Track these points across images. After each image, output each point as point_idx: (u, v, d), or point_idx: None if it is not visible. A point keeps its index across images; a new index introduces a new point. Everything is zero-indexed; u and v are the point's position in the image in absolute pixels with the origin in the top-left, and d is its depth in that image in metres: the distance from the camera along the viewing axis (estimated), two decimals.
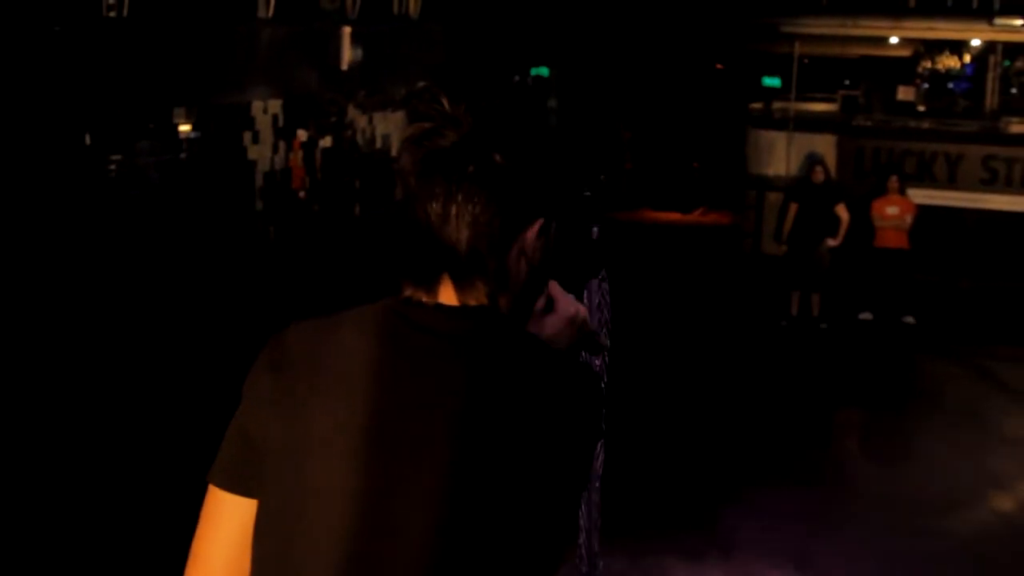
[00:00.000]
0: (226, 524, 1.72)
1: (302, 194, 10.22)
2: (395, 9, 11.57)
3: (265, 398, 1.69)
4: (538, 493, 1.64)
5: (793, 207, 13.48)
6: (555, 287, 1.88)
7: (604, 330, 2.50)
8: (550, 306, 1.85)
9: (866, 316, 13.27)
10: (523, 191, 1.67)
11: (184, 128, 8.64)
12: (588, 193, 2.37)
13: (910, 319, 13.13)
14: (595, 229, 2.35)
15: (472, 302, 1.68)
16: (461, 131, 1.64)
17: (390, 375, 1.65)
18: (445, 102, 1.66)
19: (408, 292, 1.69)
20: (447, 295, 1.68)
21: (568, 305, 1.88)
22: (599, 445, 2.23)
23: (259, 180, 9.55)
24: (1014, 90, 16.15)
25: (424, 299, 1.68)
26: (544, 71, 17.41)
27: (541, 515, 1.65)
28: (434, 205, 1.64)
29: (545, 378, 1.67)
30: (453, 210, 1.64)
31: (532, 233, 1.70)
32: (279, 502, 1.67)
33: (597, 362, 2.29)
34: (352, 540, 1.63)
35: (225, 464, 1.72)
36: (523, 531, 1.64)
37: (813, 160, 14.28)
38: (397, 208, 1.70)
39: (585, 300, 2.42)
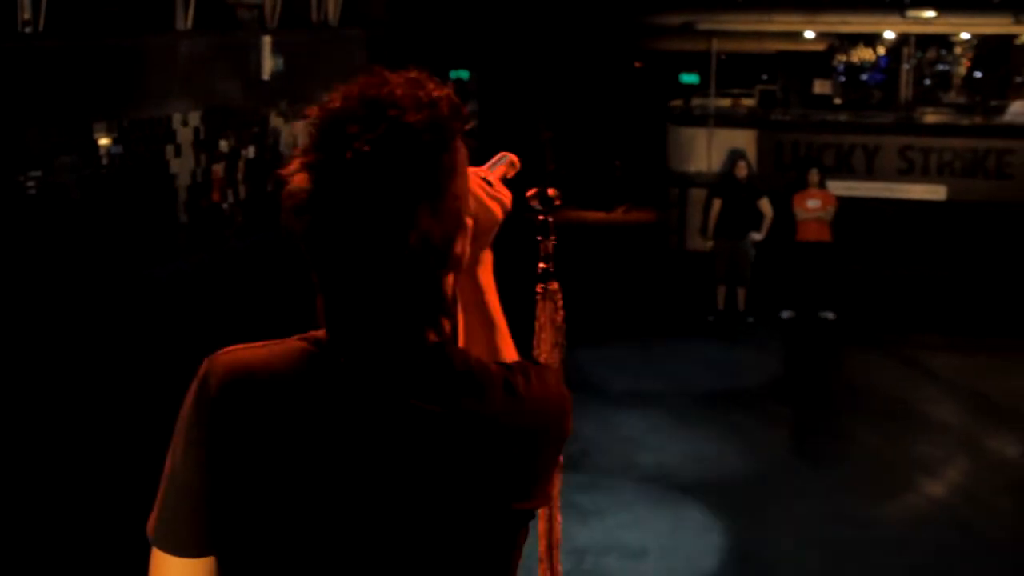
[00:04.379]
0: None
1: (226, 206, 10.10)
2: (314, 16, 11.48)
3: (193, 444, 1.59)
4: (491, 526, 1.61)
5: (717, 203, 13.57)
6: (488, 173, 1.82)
7: (562, 336, 2.48)
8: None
9: (788, 314, 13.35)
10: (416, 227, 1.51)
11: (104, 142, 8.49)
12: (542, 209, 2.35)
13: (830, 315, 13.23)
14: (549, 243, 2.34)
15: (406, 340, 1.59)
16: (314, 208, 1.50)
17: (322, 424, 1.56)
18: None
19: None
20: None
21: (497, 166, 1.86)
22: (557, 466, 2.18)
23: (182, 193, 9.43)
24: (927, 81, 16.44)
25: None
26: (464, 74, 17.37)
27: (495, 541, 1.63)
28: (344, 282, 1.54)
29: (489, 409, 1.60)
30: (365, 281, 1.53)
31: (461, 239, 1.62)
32: (238, 561, 1.60)
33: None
34: None
35: (166, 523, 1.61)
36: (475, 559, 1.62)
37: (736, 155, 14.40)
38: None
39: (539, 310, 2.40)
